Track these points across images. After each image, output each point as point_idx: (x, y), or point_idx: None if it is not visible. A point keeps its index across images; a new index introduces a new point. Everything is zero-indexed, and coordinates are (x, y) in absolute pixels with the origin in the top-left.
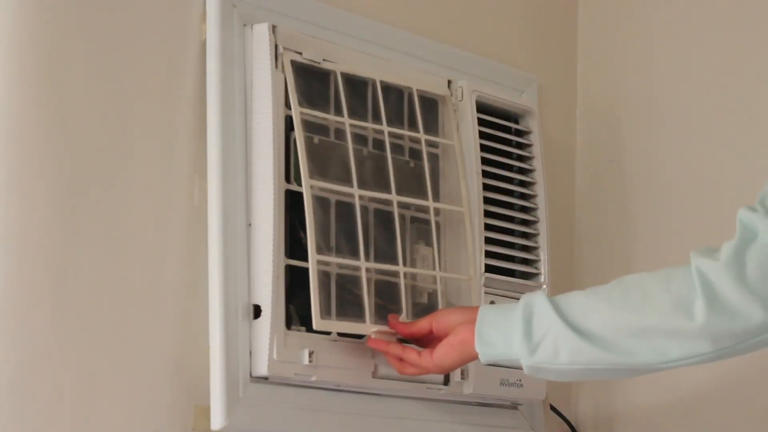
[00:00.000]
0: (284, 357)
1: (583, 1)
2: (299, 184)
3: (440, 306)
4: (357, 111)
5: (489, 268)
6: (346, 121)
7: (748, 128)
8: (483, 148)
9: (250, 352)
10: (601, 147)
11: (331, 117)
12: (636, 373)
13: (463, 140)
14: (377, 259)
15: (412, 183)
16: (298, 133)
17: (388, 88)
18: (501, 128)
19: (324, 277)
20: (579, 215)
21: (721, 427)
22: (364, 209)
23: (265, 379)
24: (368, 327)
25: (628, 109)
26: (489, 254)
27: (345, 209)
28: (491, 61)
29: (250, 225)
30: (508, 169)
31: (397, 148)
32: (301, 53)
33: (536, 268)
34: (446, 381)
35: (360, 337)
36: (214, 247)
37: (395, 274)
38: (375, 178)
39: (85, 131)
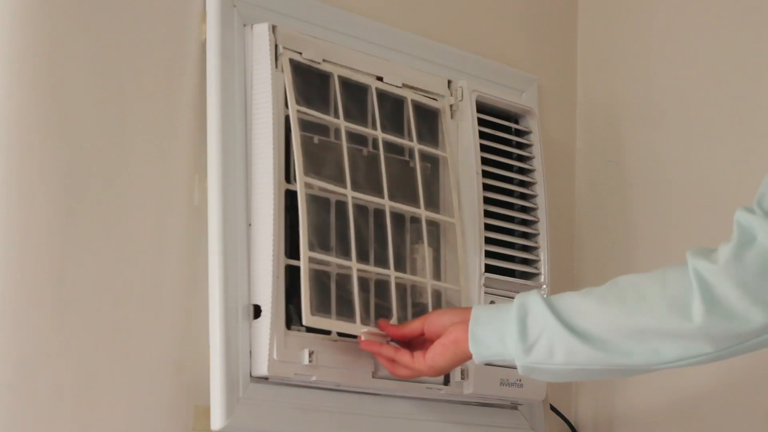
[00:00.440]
0: (284, 357)
1: (583, 1)
2: None
3: (437, 306)
4: (355, 114)
5: (489, 268)
6: (342, 123)
7: (748, 128)
8: (483, 148)
9: (250, 352)
10: (601, 147)
11: (327, 117)
12: (632, 373)
13: (463, 140)
14: (374, 261)
15: (407, 189)
16: (294, 132)
17: (386, 96)
18: (501, 128)
19: (320, 275)
20: (579, 215)
21: (721, 428)
22: (362, 210)
23: (265, 379)
24: (358, 327)
25: (628, 109)
26: (489, 254)
27: (342, 209)
28: (491, 61)
29: (250, 225)
30: (508, 169)
31: (394, 152)
32: (301, 53)
33: (536, 268)
34: (446, 381)
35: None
36: (214, 247)
37: (388, 276)
38: (370, 182)
39: (85, 131)
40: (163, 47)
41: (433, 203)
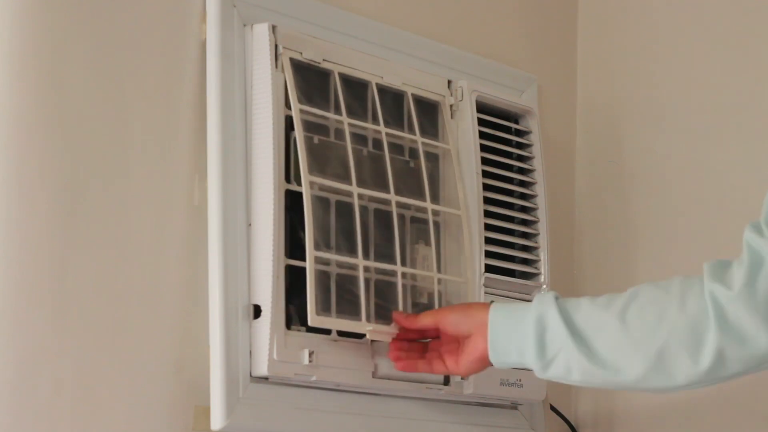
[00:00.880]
0: (284, 357)
1: (583, 1)
2: (299, 183)
3: (439, 306)
4: (357, 111)
5: (489, 268)
6: (345, 120)
7: (749, 128)
8: (483, 148)
9: (250, 352)
10: (601, 147)
11: (331, 115)
12: (649, 392)
13: (463, 140)
14: (376, 259)
15: (411, 184)
16: (298, 130)
17: (386, 91)
18: (501, 128)
19: (321, 275)
20: (579, 215)
21: (721, 428)
22: (364, 209)
23: (265, 379)
24: (364, 325)
25: (628, 109)
26: (489, 254)
27: (344, 208)
28: (491, 61)
29: (250, 225)
30: (508, 169)
31: (396, 149)
32: (301, 53)
33: (536, 268)
34: (446, 381)
35: (360, 336)
36: (214, 247)
37: (393, 273)
38: (374, 178)
39: (85, 131)
40: (163, 47)
41: (435, 199)
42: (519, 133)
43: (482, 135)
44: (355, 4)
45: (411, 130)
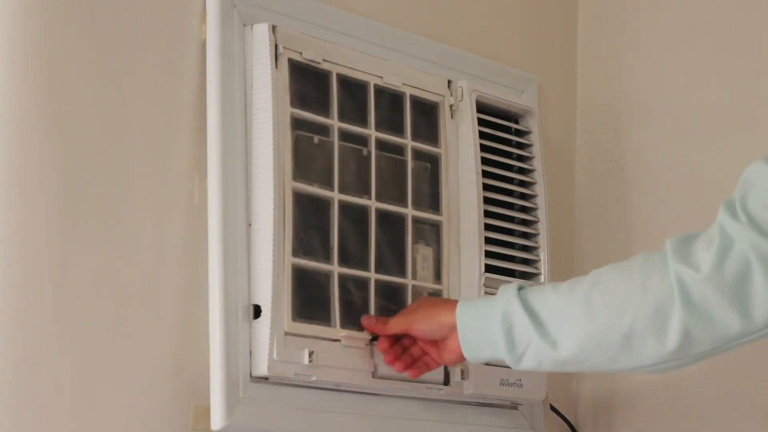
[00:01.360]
0: (284, 357)
1: (583, 1)
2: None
3: None
4: (354, 113)
5: (489, 268)
6: (336, 123)
7: (748, 128)
8: (483, 148)
9: (250, 352)
10: (601, 147)
11: (320, 119)
12: (617, 372)
13: (463, 140)
14: (360, 263)
15: (400, 188)
16: (286, 134)
17: (385, 93)
18: (501, 128)
19: (313, 279)
20: (579, 215)
21: (721, 427)
22: (351, 212)
23: (265, 379)
24: (338, 332)
25: (628, 109)
26: (489, 254)
27: (332, 212)
28: (491, 61)
29: (250, 225)
30: (508, 169)
31: (394, 151)
32: (301, 53)
33: (536, 268)
34: (446, 381)
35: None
36: (214, 247)
37: (368, 279)
38: (364, 182)
39: (85, 131)
40: (163, 47)
41: (431, 202)
42: (519, 133)
43: (482, 135)
44: (355, 4)
45: (407, 133)
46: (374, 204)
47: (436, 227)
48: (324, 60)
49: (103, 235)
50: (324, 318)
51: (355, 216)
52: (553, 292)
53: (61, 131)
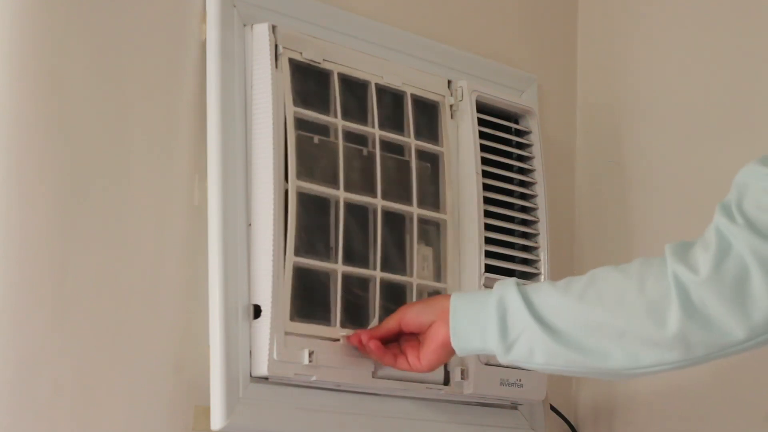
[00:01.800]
0: (284, 357)
1: (583, 1)
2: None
3: None
4: (356, 113)
5: (489, 268)
6: (339, 122)
7: (748, 128)
8: (483, 148)
9: (250, 352)
10: (601, 147)
11: (323, 117)
12: (613, 377)
13: (463, 140)
14: (362, 262)
15: (404, 187)
16: (290, 132)
17: (386, 92)
18: (501, 128)
19: (315, 278)
20: (579, 215)
21: (721, 428)
22: (356, 211)
23: (265, 379)
24: (338, 331)
25: (628, 109)
26: (489, 254)
27: (336, 211)
28: (491, 61)
29: (250, 225)
30: (508, 169)
31: (394, 150)
32: (301, 53)
33: (536, 268)
34: (446, 381)
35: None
36: (214, 247)
37: (372, 277)
38: (365, 181)
39: (85, 131)
40: (163, 47)
41: (432, 202)
42: (519, 133)
43: (482, 135)
44: (355, 4)
45: (409, 132)
46: (380, 202)
47: (436, 227)
48: (324, 60)
49: (103, 235)
50: (324, 317)
51: (358, 215)
52: (550, 286)
53: (61, 131)
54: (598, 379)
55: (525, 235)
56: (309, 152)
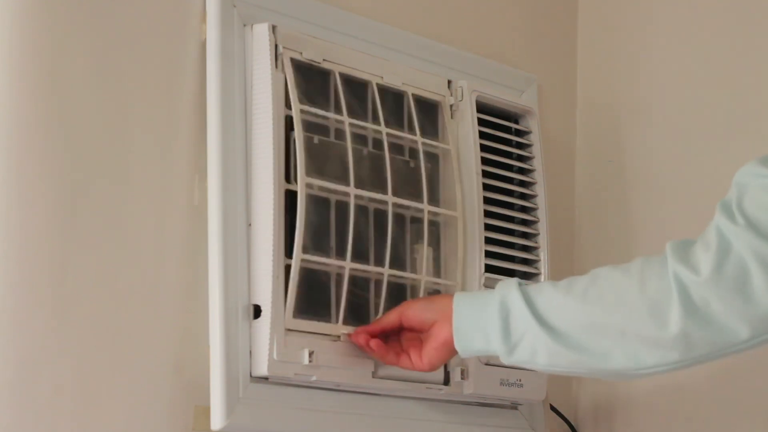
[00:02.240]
0: (284, 357)
1: (583, 1)
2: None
3: None
4: (357, 111)
5: (489, 268)
6: (346, 120)
7: (748, 128)
8: (483, 148)
9: (250, 352)
10: (601, 147)
11: (331, 115)
12: (615, 377)
13: (463, 140)
14: (374, 261)
15: (409, 184)
16: (298, 131)
17: (387, 91)
18: (501, 128)
19: (318, 276)
20: (579, 215)
21: (721, 428)
22: (363, 210)
23: (265, 379)
24: (339, 328)
25: (628, 109)
26: (489, 254)
27: (341, 209)
28: (491, 61)
29: (250, 225)
30: (508, 169)
31: (397, 149)
32: (301, 53)
33: (536, 268)
34: (446, 381)
35: None
36: (214, 247)
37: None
38: (373, 179)
39: (85, 131)
40: (163, 47)
41: (434, 200)
42: (519, 133)
43: (482, 135)
44: (355, 4)
45: (411, 130)
46: (391, 199)
47: (436, 226)
48: (324, 60)
49: (103, 235)
50: (325, 315)
51: (366, 213)
52: (552, 287)
53: (61, 131)
54: (599, 379)
55: (525, 235)
56: (315, 151)
